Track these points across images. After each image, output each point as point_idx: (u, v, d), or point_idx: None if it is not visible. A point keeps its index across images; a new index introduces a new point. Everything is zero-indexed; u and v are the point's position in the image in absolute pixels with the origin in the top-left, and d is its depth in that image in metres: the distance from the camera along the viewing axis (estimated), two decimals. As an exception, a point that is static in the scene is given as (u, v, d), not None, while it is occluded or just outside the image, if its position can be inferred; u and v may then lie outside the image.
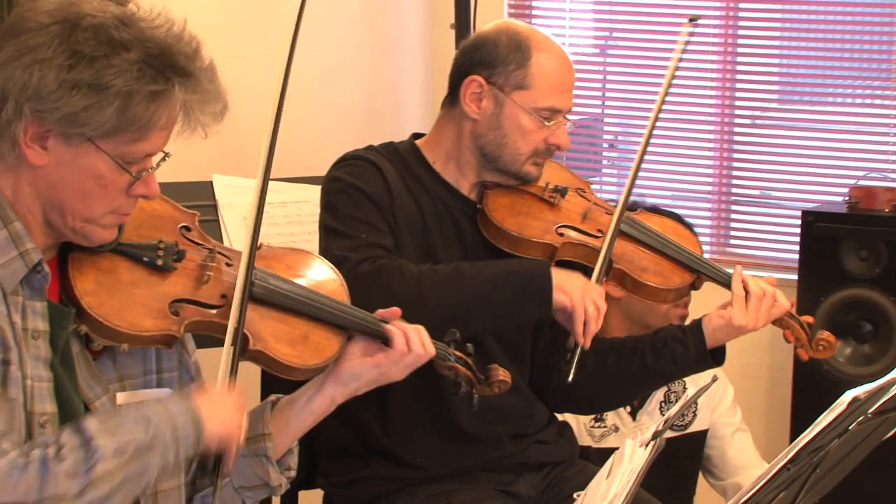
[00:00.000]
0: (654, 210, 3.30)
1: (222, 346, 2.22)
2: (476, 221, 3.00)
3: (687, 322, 3.32)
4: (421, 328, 2.47)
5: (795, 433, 3.91)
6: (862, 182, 4.56)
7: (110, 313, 2.13)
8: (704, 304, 3.15)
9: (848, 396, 2.04)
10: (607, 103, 5.27)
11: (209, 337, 2.28)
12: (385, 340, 2.43)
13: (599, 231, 3.00)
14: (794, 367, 4.38)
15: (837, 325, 4.23)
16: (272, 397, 2.43)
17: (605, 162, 5.37)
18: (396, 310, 2.48)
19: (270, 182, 3.64)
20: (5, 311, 2.05)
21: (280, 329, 2.32)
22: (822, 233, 4.35)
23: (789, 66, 5.04)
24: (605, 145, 5.38)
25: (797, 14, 4.97)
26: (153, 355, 2.26)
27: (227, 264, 2.29)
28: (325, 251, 2.81)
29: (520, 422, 3.03)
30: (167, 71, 2.07)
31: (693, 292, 3.12)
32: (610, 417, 3.66)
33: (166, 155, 2.15)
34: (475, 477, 2.96)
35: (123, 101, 2.04)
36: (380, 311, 2.47)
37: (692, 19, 3.07)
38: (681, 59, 3.07)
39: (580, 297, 2.83)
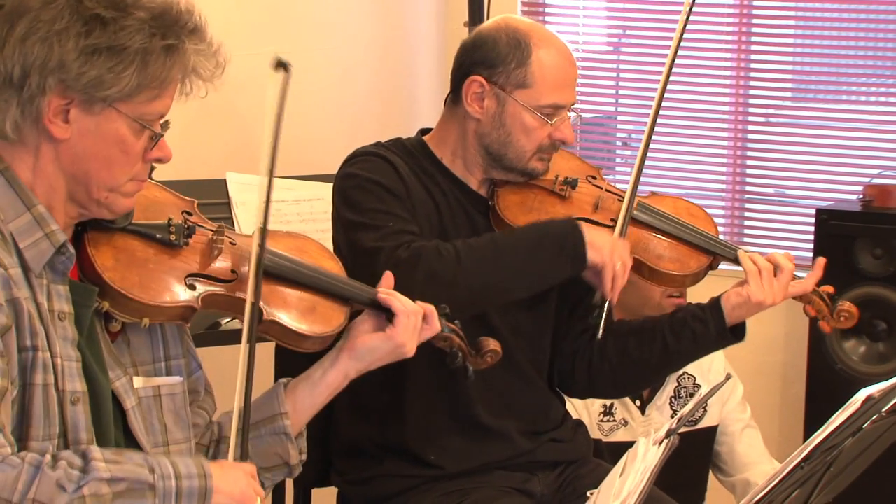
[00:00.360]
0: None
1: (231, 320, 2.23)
2: (486, 216, 3.00)
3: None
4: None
5: (809, 431, 3.91)
6: (876, 180, 4.56)
7: (132, 287, 2.18)
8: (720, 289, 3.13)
9: (862, 395, 2.04)
10: (620, 101, 5.27)
11: (214, 335, 2.30)
12: (388, 312, 2.47)
13: (612, 220, 3.00)
14: (808, 365, 4.38)
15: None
16: (283, 380, 2.46)
17: (618, 160, 5.37)
18: (389, 275, 2.53)
19: (284, 180, 3.66)
20: (30, 294, 2.07)
21: (289, 300, 2.39)
22: (836, 231, 4.34)
23: (803, 63, 5.03)
24: (619, 143, 5.38)
25: (811, 12, 4.96)
26: (160, 343, 2.30)
27: (232, 243, 2.34)
28: (352, 246, 2.82)
29: (535, 418, 3.03)
30: (174, 26, 2.11)
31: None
32: (619, 411, 3.66)
33: (167, 122, 2.19)
34: (489, 475, 2.96)
35: (142, 59, 2.08)
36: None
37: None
38: (686, 23, 3.10)
39: (609, 254, 2.86)
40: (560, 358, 3.12)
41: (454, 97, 2.99)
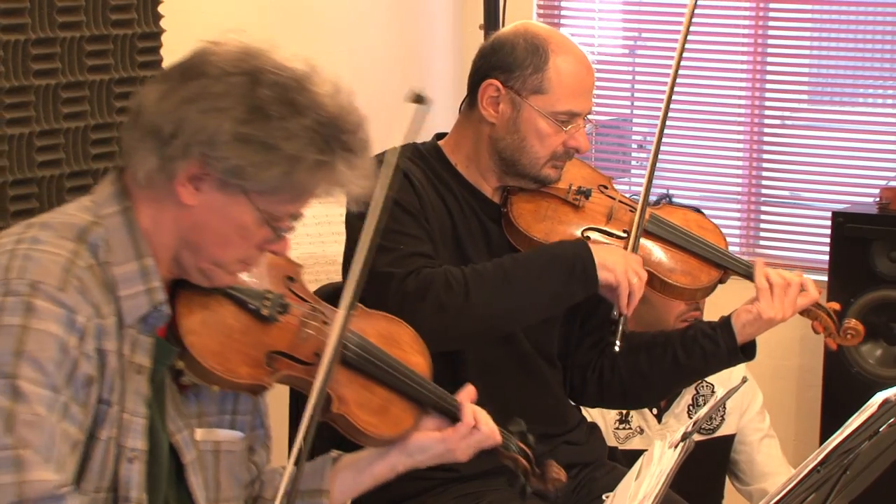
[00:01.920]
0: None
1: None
2: (499, 223, 2.99)
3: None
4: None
5: (825, 435, 3.90)
6: (892, 183, 4.54)
7: (210, 355, 2.13)
8: (731, 301, 3.14)
9: (879, 398, 2.03)
10: (636, 104, 5.26)
11: None
12: (455, 419, 2.42)
13: (625, 231, 3.00)
14: (824, 368, 4.37)
15: (867, 326, 4.17)
16: (333, 453, 2.42)
17: (633, 163, 5.36)
18: (471, 389, 2.48)
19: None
20: (117, 346, 2.05)
21: (363, 395, 2.32)
22: (852, 234, 4.33)
23: (819, 65, 5.02)
24: (634, 146, 5.37)
25: (827, 14, 4.95)
26: (232, 397, 2.27)
27: (325, 322, 2.28)
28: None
29: (550, 421, 3.03)
30: (333, 143, 2.06)
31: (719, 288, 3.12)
32: (635, 419, 3.65)
33: (301, 216, 2.16)
34: (504, 477, 2.96)
35: (290, 165, 2.03)
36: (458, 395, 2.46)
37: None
38: (688, 33, 3.07)
39: (623, 273, 2.85)
40: (571, 370, 3.12)
41: (470, 101, 2.99)
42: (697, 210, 3.32)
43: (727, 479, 3.86)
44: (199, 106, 2.03)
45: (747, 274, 3.04)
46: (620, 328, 2.92)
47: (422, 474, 2.93)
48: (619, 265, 2.85)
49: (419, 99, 1.96)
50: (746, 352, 3.06)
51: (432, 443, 2.40)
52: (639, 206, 2.99)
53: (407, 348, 2.44)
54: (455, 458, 2.44)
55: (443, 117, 4.97)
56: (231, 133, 2.02)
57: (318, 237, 3.60)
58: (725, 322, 3.04)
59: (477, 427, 2.41)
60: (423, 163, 2.96)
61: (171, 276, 2.15)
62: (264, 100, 2.03)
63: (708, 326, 3.07)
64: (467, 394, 2.46)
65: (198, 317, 2.15)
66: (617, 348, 2.93)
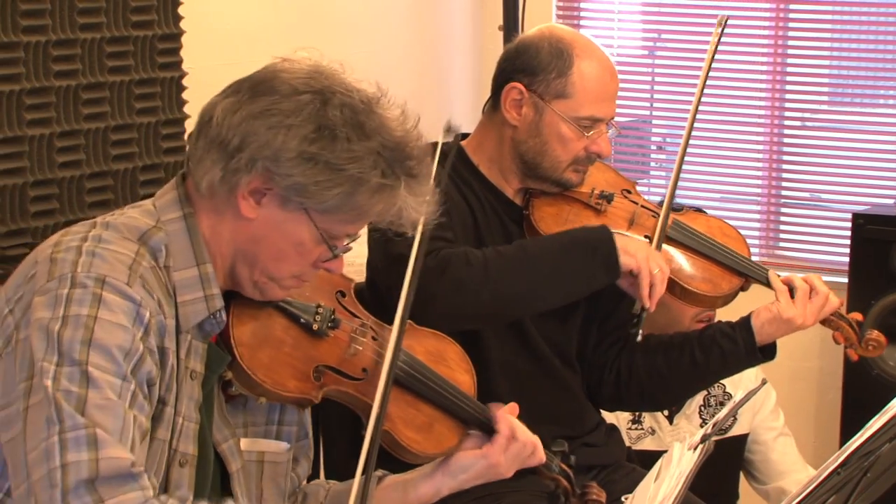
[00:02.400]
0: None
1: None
2: (520, 224, 2.99)
3: None
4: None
5: (845, 437, 3.89)
6: (913, 184, 4.54)
7: (259, 367, 2.14)
8: (751, 308, 3.13)
9: (899, 400, 2.03)
10: (655, 105, 5.26)
11: None
12: (493, 431, 2.41)
13: (646, 236, 2.99)
14: (844, 370, 4.36)
15: (888, 328, 4.18)
16: (378, 472, 2.41)
17: (652, 164, 5.36)
18: (514, 405, 2.47)
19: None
20: (175, 348, 2.06)
21: (409, 413, 2.32)
22: (872, 235, 4.32)
23: (839, 67, 5.01)
24: (653, 147, 5.37)
25: (848, 15, 4.94)
26: (278, 408, 2.27)
27: (374, 338, 2.30)
28: (385, 252, 2.81)
29: (570, 423, 3.03)
30: (397, 167, 2.07)
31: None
32: (647, 420, 3.65)
33: (359, 236, 2.17)
34: (523, 479, 2.95)
35: (352, 186, 2.04)
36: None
37: (721, 22, 3.04)
38: (713, 61, 3.05)
39: (645, 259, 2.84)
40: (589, 370, 3.12)
41: (493, 103, 2.99)
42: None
43: (742, 479, 3.85)
44: (268, 121, 2.04)
45: (769, 282, 3.04)
46: (642, 321, 2.92)
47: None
48: (640, 252, 2.85)
49: (450, 130, 2.00)
50: (766, 352, 3.05)
51: (474, 460, 2.39)
52: (663, 209, 2.98)
53: (454, 366, 2.45)
54: (499, 475, 2.42)
55: (462, 116, 4.97)
56: (297, 151, 2.03)
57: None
58: (744, 322, 3.03)
59: (515, 437, 2.39)
60: (445, 161, 2.96)
61: (226, 288, 2.16)
62: (332, 120, 2.04)
63: (727, 326, 3.06)
64: (508, 408, 2.45)
65: (249, 329, 2.16)
66: (639, 338, 2.93)
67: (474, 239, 2.91)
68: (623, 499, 2.35)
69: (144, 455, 1.99)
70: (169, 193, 2.14)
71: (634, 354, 3.07)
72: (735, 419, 3.71)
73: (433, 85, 5.04)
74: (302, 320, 2.21)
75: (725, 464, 3.76)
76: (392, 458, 2.36)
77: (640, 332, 2.94)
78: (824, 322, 3.06)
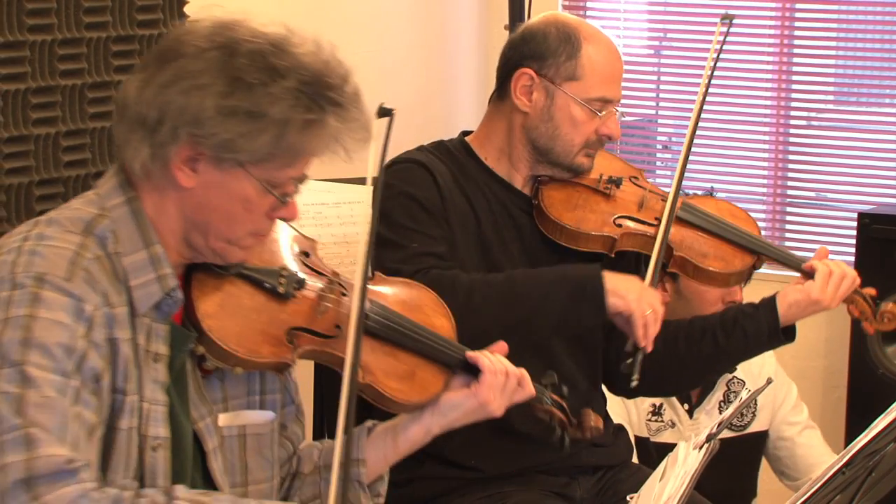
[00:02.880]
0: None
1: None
2: (530, 214, 2.99)
3: None
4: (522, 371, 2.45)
5: (851, 436, 3.88)
6: (919, 183, 4.53)
7: (229, 337, 2.14)
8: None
9: (905, 400, 2.02)
10: (661, 104, 5.25)
11: None
12: (477, 370, 2.40)
13: (656, 219, 2.99)
14: (850, 370, 4.35)
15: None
16: (368, 423, 2.41)
17: (658, 163, 5.36)
18: (502, 344, 2.46)
19: (325, 183, 3.67)
20: (131, 335, 2.06)
21: (389, 363, 2.32)
22: (878, 234, 4.32)
23: (845, 66, 5.01)
24: (659, 146, 5.37)
25: (854, 14, 4.93)
26: (257, 377, 2.27)
27: (343, 294, 2.28)
28: (377, 262, 2.80)
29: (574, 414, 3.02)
30: (321, 100, 2.06)
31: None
32: (667, 413, 3.65)
33: (306, 177, 2.15)
34: (530, 479, 2.96)
35: (279, 130, 2.03)
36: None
37: (725, 18, 3.04)
38: (717, 59, 3.05)
39: (636, 301, 2.81)
40: (607, 354, 3.11)
41: (500, 93, 2.99)
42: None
43: (761, 475, 3.84)
44: (180, 87, 2.03)
45: (783, 259, 3.05)
46: (638, 361, 2.84)
47: (446, 475, 2.94)
48: (631, 293, 2.82)
49: (384, 112, 1.97)
50: (787, 334, 3.05)
51: (463, 398, 2.39)
52: (662, 226, 2.94)
53: (430, 311, 2.44)
54: (490, 413, 2.41)
55: (468, 114, 4.99)
56: (215, 108, 2.02)
57: (343, 238, 3.60)
58: (769, 302, 3.02)
59: (500, 372, 2.39)
60: (450, 160, 2.97)
61: (184, 261, 2.15)
62: (243, 69, 2.03)
63: (749, 307, 3.05)
64: (496, 347, 2.45)
65: (214, 300, 2.15)
66: (634, 383, 2.85)
67: (476, 242, 2.91)
68: (628, 498, 2.35)
69: (94, 449, 1.99)
70: (110, 180, 2.13)
71: (656, 341, 3.03)
72: (755, 415, 3.71)
73: (439, 84, 5.04)
74: (266, 285, 2.20)
75: (743, 460, 3.76)
76: (381, 413, 2.36)
77: (636, 376, 2.83)
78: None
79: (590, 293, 2.82)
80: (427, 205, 2.86)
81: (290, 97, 2.03)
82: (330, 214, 3.66)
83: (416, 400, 2.35)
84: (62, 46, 3.27)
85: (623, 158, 3.22)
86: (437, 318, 2.45)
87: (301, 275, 2.24)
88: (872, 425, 2.03)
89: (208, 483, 2.18)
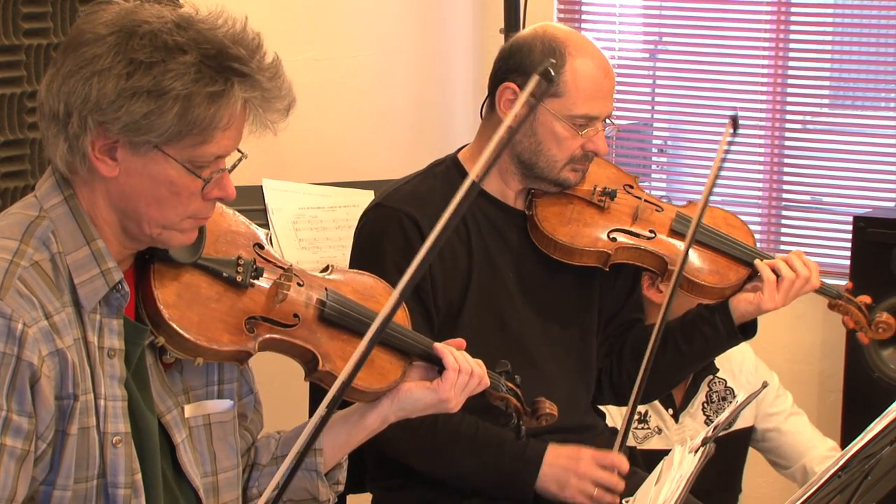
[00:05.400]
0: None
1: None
2: (523, 229, 2.98)
3: None
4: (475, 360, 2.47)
5: (846, 440, 3.89)
6: (914, 187, 4.53)
7: (190, 327, 2.14)
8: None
9: (900, 403, 2.03)
10: (657, 108, 5.25)
11: None
12: (440, 365, 2.43)
13: (651, 231, 3.00)
14: (846, 373, 4.35)
15: (889, 331, 4.20)
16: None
17: (654, 167, 5.36)
18: (461, 340, 2.48)
19: (320, 187, 3.67)
20: (81, 334, 2.06)
21: (347, 351, 2.32)
22: (874, 238, 4.32)
23: (841, 69, 5.01)
24: (655, 150, 5.37)
25: (848, 18, 4.93)
26: (216, 367, 2.28)
27: (299, 284, 2.30)
28: None
29: (574, 429, 3.02)
30: (225, 71, 2.04)
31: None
32: (653, 419, 3.65)
33: (243, 155, 2.14)
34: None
35: (183, 105, 2.02)
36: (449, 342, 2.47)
37: (734, 123, 2.89)
38: (724, 160, 2.87)
39: (570, 496, 2.85)
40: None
41: (489, 104, 2.99)
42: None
43: (745, 472, 3.85)
44: (81, 75, 2.03)
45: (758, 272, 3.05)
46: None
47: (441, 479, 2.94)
48: (565, 490, 2.85)
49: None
50: (746, 331, 3.07)
51: (425, 392, 2.41)
52: (667, 292, 2.81)
53: (384, 301, 2.44)
54: (450, 409, 2.44)
55: (463, 119, 4.99)
56: (116, 92, 2.01)
57: (339, 241, 3.61)
58: (723, 306, 3.04)
59: (463, 371, 2.41)
60: (441, 186, 2.92)
61: (129, 252, 2.15)
62: (139, 50, 2.02)
63: (706, 310, 3.07)
64: (454, 343, 2.46)
65: (173, 290, 2.16)
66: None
67: (464, 284, 2.91)
68: (624, 502, 2.35)
69: (25, 479, 1.98)
70: (47, 181, 2.12)
71: (623, 350, 3.08)
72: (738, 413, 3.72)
73: (435, 88, 5.04)
74: (224, 274, 2.21)
75: (729, 459, 3.76)
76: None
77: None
78: (833, 308, 3.08)
79: (518, 491, 2.87)
80: (394, 259, 2.83)
81: (191, 71, 2.02)
82: (325, 218, 3.66)
83: (377, 387, 2.37)
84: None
85: (617, 165, 3.21)
86: None
87: (258, 265, 2.25)
88: (868, 429, 2.03)
89: (179, 475, 2.19)
